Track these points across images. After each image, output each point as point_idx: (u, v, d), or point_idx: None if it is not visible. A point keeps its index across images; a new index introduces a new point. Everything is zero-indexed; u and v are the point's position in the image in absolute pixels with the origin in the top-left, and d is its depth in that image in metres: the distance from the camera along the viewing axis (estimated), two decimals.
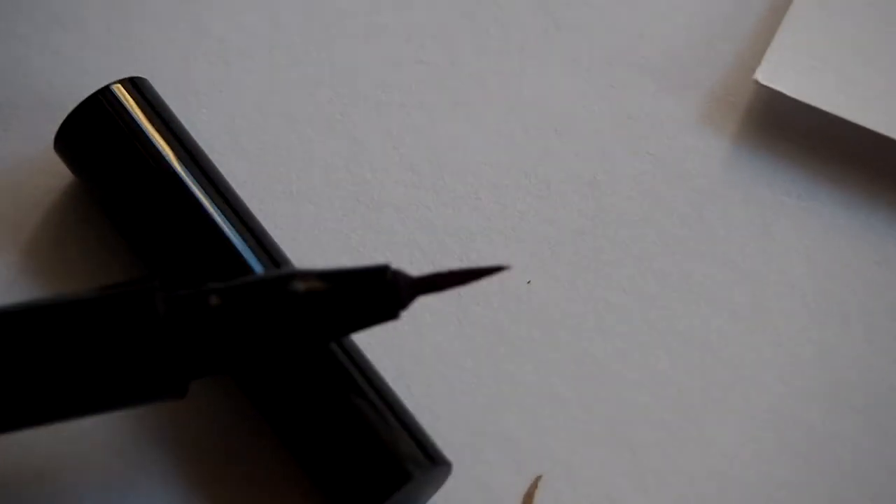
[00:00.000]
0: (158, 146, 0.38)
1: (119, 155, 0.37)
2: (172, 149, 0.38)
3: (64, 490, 0.36)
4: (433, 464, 0.35)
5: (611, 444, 0.38)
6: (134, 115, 0.38)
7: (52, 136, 0.38)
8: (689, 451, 0.38)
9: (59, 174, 0.40)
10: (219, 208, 0.37)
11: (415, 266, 0.36)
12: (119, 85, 0.38)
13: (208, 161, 0.38)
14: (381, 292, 0.33)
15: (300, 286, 0.33)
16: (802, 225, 0.41)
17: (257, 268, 0.36)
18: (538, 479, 0.37)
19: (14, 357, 0.32)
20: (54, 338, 0.32)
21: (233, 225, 0.37)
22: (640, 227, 0.41)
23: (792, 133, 0.41)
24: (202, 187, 0.37)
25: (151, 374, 0.32)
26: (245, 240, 0.37)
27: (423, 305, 0.37)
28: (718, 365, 0.39)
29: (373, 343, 0.37)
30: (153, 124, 0.38)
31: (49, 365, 0.32)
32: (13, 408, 0.32)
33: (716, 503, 0.37)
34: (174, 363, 0.32)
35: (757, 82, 0.41)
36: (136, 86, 0.38)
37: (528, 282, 0.40)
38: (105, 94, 0.38)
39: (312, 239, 0.40)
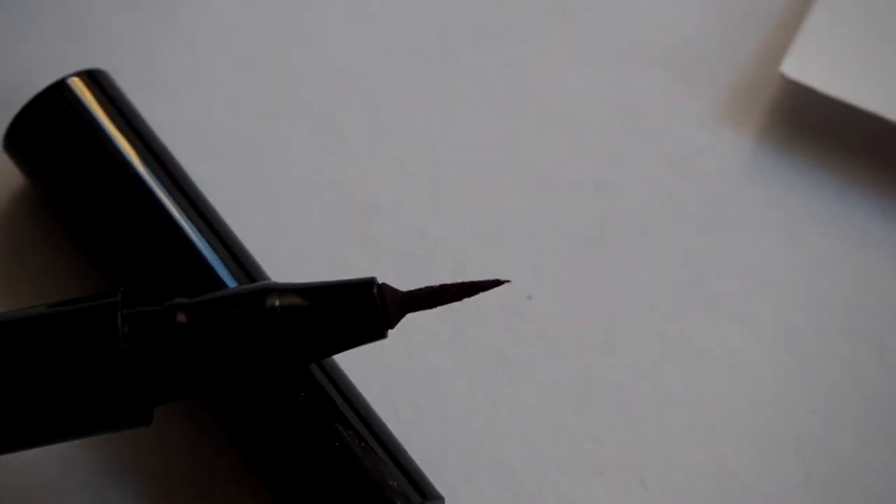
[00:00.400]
0: (119, 146, 0.38)
1: (76, 155, 0.37)
2: (135, 149, 0.38)
3: None
4: (423, 499, 0.35)
5: (620, 475, 0.38)
6: (92, 111, 0.38)
7: (2, 135, 0.39)
8: (707, 483, 0.38)
9: (9, 176, 0.40)
10: (186, 214, 0.37)
11: (404, 279, 0.36)
12: (76, 78, 0.38)
13: (175, 162, 0.39)
14: (367, 309, 0.33)
15: (277, 302, 0.33)
16: (831, 232, 0.41)
17: (229, 282, 0.36)
18: None
19: None
20: (4, 359, 0.32)
21: (202, 233, 0.37)
22: (652, 234, 0.41)
23: (821, 131, 0.42)
24: (168, 191, 0.37)
25: (112, 399, 0.32)
26: (216, 250, 0.37)
27: (414, 323, 0.37)
28: (739, 387, 0.39)
29: (358, 365, 0.37)
30: (114, 121, 0.38)
31: None
32: None
33: None
34: (137, 387, 0.32)
35: (782, 75, 0.41)
36: (94, 79, 0.38)
37: (529, 297, 0.40)
38: (60, 88, 0.38)
39: (291, 248, 0.40)
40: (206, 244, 0.37)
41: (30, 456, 0.35)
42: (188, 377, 0.33)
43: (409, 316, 0.33)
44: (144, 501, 0.37)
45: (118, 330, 0.32)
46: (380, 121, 0.42)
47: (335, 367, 0.36)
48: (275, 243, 0.40)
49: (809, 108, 0.42)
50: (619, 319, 0.40)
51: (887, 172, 0.41)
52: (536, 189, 0.41)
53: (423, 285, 0.33)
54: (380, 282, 0.33)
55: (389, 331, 0.33)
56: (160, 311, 0.33)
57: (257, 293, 0.33)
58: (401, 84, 0.42)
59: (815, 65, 0.41)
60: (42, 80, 0.38)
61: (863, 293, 0.40)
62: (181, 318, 0.32)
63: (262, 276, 0.37)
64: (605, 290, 0.40)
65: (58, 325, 0.32)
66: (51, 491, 0.37)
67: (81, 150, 0.37)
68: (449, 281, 0.34)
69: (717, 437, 0.38)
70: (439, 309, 0.33)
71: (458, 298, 0.33)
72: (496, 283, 0.33)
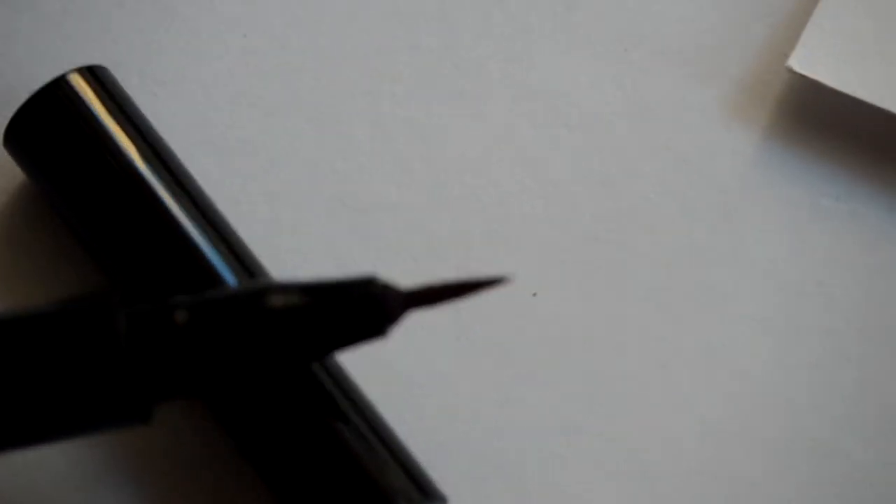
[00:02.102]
0: (120, 143, 0.38)
1: (76, 153, 0.38)
2: (136, 145, 0.38)
3: None
4: (426, 499, 0.35)
5: (627, 475, 0.38)
6: (92, 107, 0.38)
7: (1, 132, 0.39)
8: (716, 484, 0.38)
9: (8, 174, 0.40)
10: (187, 212, 0.38)
11: (406, 276, 0.36)
12: (76, 74, 0.39)
13: (175, 159, 0.39)
14: (368, 307, 0.33)
15: (278, 301, 0.33)
16: (841, 230, 0.41)
17: (230, 280, 0.37)
18: None
19: None
20: (2, 358, 0.33)
21: (202, 230, 0.38)
22: (659, 232, 0.41)
23: (830, 127, 0.42)
24: (168, 188, 0.38)
25: (112, 398, 0.33)
26: (216, 247, 0.37)
27: (416, 321, 0.37)
28: (748, 387, 0.39)
29: (359, 364, 0.38)
30: (114, 118, 0.38)
31: None
32: None
33: None
34: (137, 386, 0.33)
35: (790, 70, 0.41)
36: (95, 75, 0.39)
37: (534, 294, 0.40)
38: (60, 84, 0.38)
39: (292, 246, 0.40)
40: (207, 241, 0.37)
41: (33, 454, 0.36)
42: (188, 376, 0.33)
43: (411, 314, 0.34)
44: (145, 498, 0.37)
45: (116, 329, 0.32)
46: (382, 117, 0.42)
47: (337, 366, 0.37)
48: (276, 240, 0.40)
49: (818, 103, 0.42)
50: (626, 317, 0.40)
51: None
52: (541, 186, 0.42)
53: (425, 283, 0.34)
54: (381, 279, 0.34)
55: (391, 329, 0.33)
56: (159, 309, 0.33)
57: (257, 292, 0.33)
58: (403, 80, 0.43)
59: (823, 59, 0.41)
60: (42, 76, 0.39)
61: (873, 291, 0.40)
62: (181, 316, 0.33)
63: (263, 273, 0.38)
64: (612, 288, 0.40)
65: (56, 324, 0.33)
66: (54, 488, 0.37)
67: (82, 147, 0.38)
68: (452, 278, 0.34)
69: (727, 436, 0.39)
70: (442, 307, 0.34)
71: (461, 296, 0.34)
72: (500, 280, 0.34)
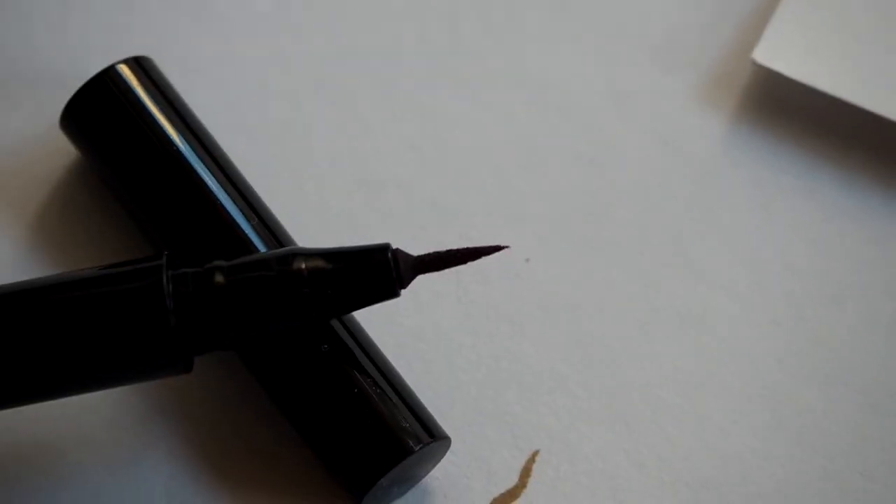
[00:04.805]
0: (162, 125, 0.39)
1: (124, 133, 0.39)
2: (176, 127, 0.39)
3: (69, 466, 0.38)
4: (432, 438, 0.37)
5: (608, 420, 0.39)
6: (138, 94, 0.39)
7: (59, 115, 0.40)
8: (685, 427, 0.39)
9: (65, 152, 0.41)
10: (222, 187, 0.39)
11: (416, 245, 0.36)
12: (124, 64, 0.39)
13: (212, 139, 0.40)
14: (382, 271, 0.35)
15: (303, 265, 0.34)
16: (801, 204, 0.42)
17: (261, 246, 0.38)
18: (535, 453, 0.39)
19: (22, 333, 0.34)
20: (62, 313, 0.34)
21: (236, 203, 0.38)
22: (639, 206, 0.42)
23: (790, 113, 0.43)
24: (206, 166, 0.39)
25: (158, 349, 0.34)
26: (249, 218, 0.38)
27: (424, 284, 0.38)
28: (715, 343, 0.40)
29: (374, 320, 0.38)
30: (157, 103, 0.39)
31: (56, 339, 0.34)
32: (20, 382, 0.34)
33: (711, 479, 0.39)
34: (180, 339, 0.34)
35: (755, 62, 0.42)
36: (140, 65, 0.40)
37: (527, 259, 0.41)
38: (110, 73, 0.39)
39: (315, 217, 0.41)
40: (240, 213, 0.38)
41: (87, 399, 0.37)
42: (225, 331, 0.34)
43: (419, 277, 0.35)
44: (186, 437, 0.38)
45: (164, 288, 0.33)
46: (394, 103, 0.43)
47: (354, 323, 0.38)
48: (301, 212, 0.41)
49: (780, 93, 0.43)
50: (608, 281, 0.41)
51: (848, 149, 0.42)
52: (534, 164, 0.42)
53: (432, 251, 0.35)
54: (394, 247, 0.35)
55: (402, 291, 0.35)
56: (200, 272, 0.34)
57: (285, 257, 0.34)
58: (413, 69, 0.43)
59: (785, 52, 0.41)
60: (93, 66, 0.39)
61: (826, 258, 0.41)
62: (219, 278, 0.34)
63: (290, 241, 0.39)
64: (596, 256, 0.41)
65: (111, 284, 0.34)
66: (105, 430, 0.38)
67: (129, 129, 0.38)
68: (455, 247, 0.35)
69: (695, 386, 0.40)
70: (446, 271, 0.35)
71: (464, 262, 0.35)
72: (497, 248, 0.35)
